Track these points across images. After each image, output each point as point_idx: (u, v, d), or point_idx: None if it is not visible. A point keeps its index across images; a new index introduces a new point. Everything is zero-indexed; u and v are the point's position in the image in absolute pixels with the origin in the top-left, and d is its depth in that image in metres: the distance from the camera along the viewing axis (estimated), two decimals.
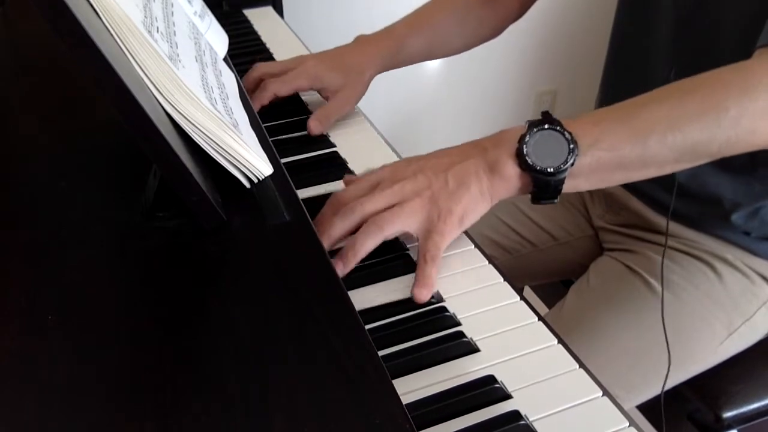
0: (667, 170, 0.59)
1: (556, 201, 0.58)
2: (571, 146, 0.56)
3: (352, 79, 0.81)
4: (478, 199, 0.58)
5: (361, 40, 0.85)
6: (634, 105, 0.58)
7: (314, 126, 0.78)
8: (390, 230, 0.57)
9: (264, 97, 0.79)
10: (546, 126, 0.57)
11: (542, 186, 0.57)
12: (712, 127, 0.55)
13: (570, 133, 0.56)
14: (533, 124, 0.57)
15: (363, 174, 0.64)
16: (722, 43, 0.70)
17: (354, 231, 0.58)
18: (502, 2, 0.90)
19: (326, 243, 0.58)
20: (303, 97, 0.87)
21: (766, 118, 0.54)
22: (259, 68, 0.83)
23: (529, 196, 0.59)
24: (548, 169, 0.56)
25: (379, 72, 0.84)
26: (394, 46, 0.84)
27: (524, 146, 0.57)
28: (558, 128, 0.56)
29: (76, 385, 0.38)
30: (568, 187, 0.57)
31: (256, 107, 0.78)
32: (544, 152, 0.56)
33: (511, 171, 0.57)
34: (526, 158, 0.56)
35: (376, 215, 0.57)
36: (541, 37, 1.98)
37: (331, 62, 0.81)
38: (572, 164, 0.56)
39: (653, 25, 0.77)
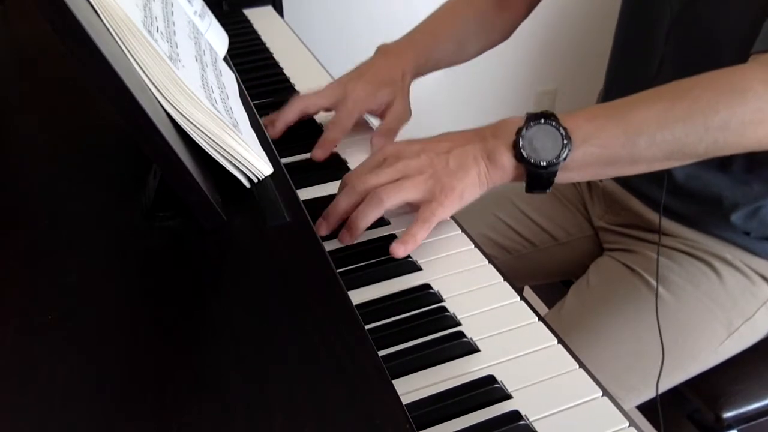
0: (656, 167, 0.61)
1: (547, 191, 0.61)
2: (565, 141, 0.58)
3: (399, 88, 0.78)
4: (476, 182, 0.60)
5: (384, 50, 0.81)
6: (628, 104, 0.59)
7: (378, 143, 0.76)
8: (390, 202, 0.59)
9: (330, 146, 0.74)
10: (542, 120, 0.59)
11: (535, 177, 0.60)
12: (699, 130, 0.56)
13: (565, 129, 0.58)
14: (531, 117, 0.59)
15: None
16: (721, 45, 0.70)
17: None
18: (512, 5, 0.90)
19: (332, 219, 0.61)
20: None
21: (755, 123, 0.56)
22: (298, 104, 0.77)
23: (529, 193, 0.61)
24: (541, 162, 0.58)
25: (413, 79, 0.82)
26: (422, 56, 0.82)
27: (521, 139, 0.59)
28: (553, 123, 0.58)
29: (75, 384, 0.38)
30: (560, 179, 0.60)
31: (321, 157, 0.73)
32: (539, 145, 0.58)
33: (507, 161, 0.60)
34: (522, 150, 0.59)
35: (379, 188, 0.59)
36: (541, 37, 1.98)
37: (374, 79, 0.77)
38: (565, 159, 0.58)
39: (655, 25, 0.77)
